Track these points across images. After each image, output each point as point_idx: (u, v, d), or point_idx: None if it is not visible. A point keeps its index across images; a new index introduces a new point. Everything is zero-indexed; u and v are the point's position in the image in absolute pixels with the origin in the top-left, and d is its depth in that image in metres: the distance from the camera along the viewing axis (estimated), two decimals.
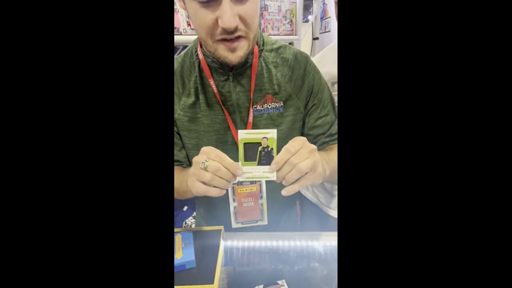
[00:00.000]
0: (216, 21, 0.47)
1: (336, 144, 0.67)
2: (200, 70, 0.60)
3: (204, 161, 0.45)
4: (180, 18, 1.19)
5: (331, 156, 0.60)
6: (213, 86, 0.59)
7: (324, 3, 4.12)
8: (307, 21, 2.91)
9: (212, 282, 0.51)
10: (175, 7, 1.19)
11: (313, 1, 2.42)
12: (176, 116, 0.62)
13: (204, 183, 0.45)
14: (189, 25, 1.23)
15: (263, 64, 0.62)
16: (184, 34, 1.20)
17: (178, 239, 0.61)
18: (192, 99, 0.61)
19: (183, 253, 0.57)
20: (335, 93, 0.78)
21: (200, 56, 0.59)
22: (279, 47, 0.64)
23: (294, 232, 0.66)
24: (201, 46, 0.60)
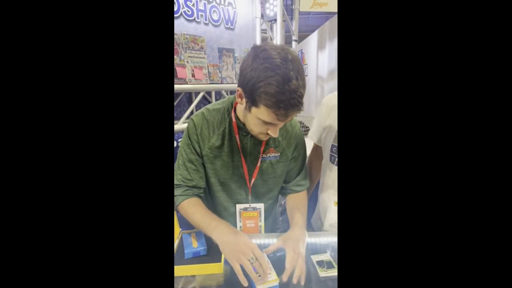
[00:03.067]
0: (267, 129, 0.74)
1: (302, 191, 0.99)
2: (230, 125, 0.85)
3: (253, 258, 0.68)
4: (187, 71, 1.51)
5: (301, 205, 0.93)
6: (238, 140, 0.85)
7: (302, 52, 4.71)
8: None
9: (219, 261, 0.75)
10: (180, 62, 1.52)
11: None
12: (204, 152, 0.86)
13: (241, 266, 0.67)
14: (193, 76, 1.55)
15: None
16: (190, 84, 1.52)
17: (193, 235, 0.85)
18: (219, 142, 0.85)
19: (198, 244, 0.80)
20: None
21: (233, 118, 0.84)
22: None
23: (275, 233, 0.92)
24: (234, 111, 0.84)
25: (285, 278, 0.68)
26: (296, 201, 0.96)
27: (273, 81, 0.63)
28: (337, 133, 0.98)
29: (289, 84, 0.63)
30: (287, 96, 0.64)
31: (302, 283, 0.68)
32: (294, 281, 0.67)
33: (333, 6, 2.85)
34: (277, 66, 0.64)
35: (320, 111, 1.07)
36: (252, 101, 0.69)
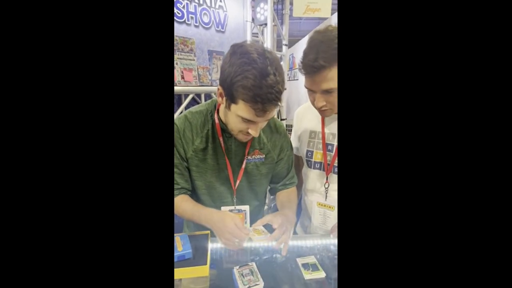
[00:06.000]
0: (247, 128, 0.74)
1: (292, 187, 1.01)
2: (213, 127, 0.84)
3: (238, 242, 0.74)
4: (176, 73, 1.50)
5: (291, 198, 0.96)
6: (222, 142, 0.85)
7: (293, 56, 4.77)
8: None
9: (205, 264, 0.74)
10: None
11: (282, 57, 2.89)
12: (188, 156, 0.85)
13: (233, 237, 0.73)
14: (183, 78, 1.54)
15: None
16: (178, 86, 1.52)
17: (177, 239, 0.84)
18: (203, 145, 0.84)
19: (182, 247, 0.79)
20: (312, 140, 1.04)
21: (216, 120, 0.84)
22: None
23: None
24: (217, 113, 0.84)
25: (277, 245, 0.77)
26: (286, 195, 0.98)
27: (250, 74, 0.64)
28: (309, 139, 1.03)
29: (266, 79, 0.64)
30: (264, 90, 0.64)
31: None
32: (277, 246, 0.77)
33: (326, 12, 2.89)
34: (253, 60, 0.65)
35: (294, 123, 1.13)
36: (231, 97, 0.70)
